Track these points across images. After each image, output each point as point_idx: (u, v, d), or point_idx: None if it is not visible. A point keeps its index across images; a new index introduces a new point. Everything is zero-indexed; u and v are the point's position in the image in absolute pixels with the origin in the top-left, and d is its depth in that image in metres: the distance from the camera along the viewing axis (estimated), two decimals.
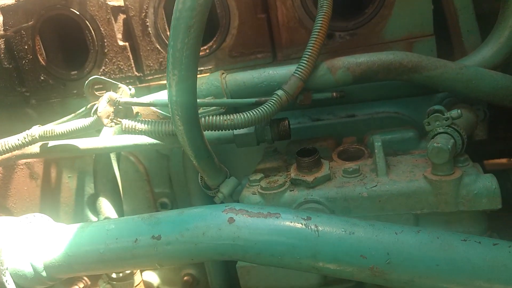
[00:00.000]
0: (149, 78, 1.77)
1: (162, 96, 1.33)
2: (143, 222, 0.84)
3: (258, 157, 1.51)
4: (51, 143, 1.45)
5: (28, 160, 1.92)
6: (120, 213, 1.60)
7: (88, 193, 1.93)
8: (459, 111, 1.08)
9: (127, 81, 1.79)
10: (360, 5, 1.59)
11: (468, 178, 1.05)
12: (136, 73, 1.78)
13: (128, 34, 1.76)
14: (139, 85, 1.78)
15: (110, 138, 1.43)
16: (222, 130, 1.21)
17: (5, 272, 0.87)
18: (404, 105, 1.50)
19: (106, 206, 1.53)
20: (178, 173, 1.73)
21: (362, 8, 1.53)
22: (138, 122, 1.16)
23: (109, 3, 1.72)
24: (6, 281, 0.87)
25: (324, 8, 1.28)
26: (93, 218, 1.91)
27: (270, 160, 1.41)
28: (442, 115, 1.09)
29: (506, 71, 1.53)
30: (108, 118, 1.18)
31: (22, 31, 1.80)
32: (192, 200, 1.64)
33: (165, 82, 1.71)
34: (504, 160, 2.13)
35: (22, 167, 1.98)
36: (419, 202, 1.08)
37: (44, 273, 0.88)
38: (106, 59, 1.78)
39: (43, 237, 0.91)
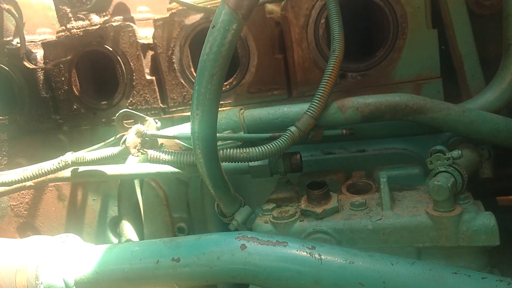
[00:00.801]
0: (173, 110, 1.90)
1: (185, 128, 1.45)
2: (164, 245, 0.93)
3: (271, 187, 1.59)
4: (81, 168, 1.58)
5: (57, 183, 2.05)
6: (141, 235, 1.70)
7: (111, 216, 2.04)
8: (459, 151, 1.16)
9: (152, 112, 1.93)
10: (371, 48, 1.71)
11: (468, 215, 1.11)
12: (161, 105, 1.92)
13: (155, 69, 1.91)
14: (163, 116, 1.92)
15: (135, 165, 1.54)
16: (238, 162, 1.31)
17: (40, 286, 0.97)
18: (412, 142, 1.57)
19: (128, 229, 1.63)
20: (195, 199, 1.83)
21: (373, 50, 1.64)
22: (162, 153, 1.28)
23: (139, 41, 1.88)
24: None
25: (336, 52, 1.40)
26: (114, 239, 2.02)
27: (282, 191, 1.50)
28: (443, 155, 1.17)
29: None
30: (135, 148, 1.30)
31: (61, 65, 1.98)
32: (208, 225, 1.73)
33: (187, 114, 1.85)
34: None
35: (51, 188, 2.12)
36: (421, 236, 1.14)
37: None
38: (134, 91, 1.93)
39: (75, 255, 1.01)
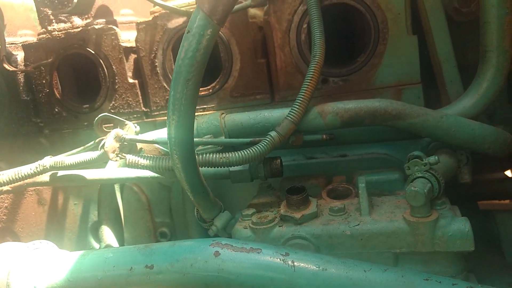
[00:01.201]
0: (155, 113, 1.89)
1: (164, 133, 1.43)
2: (138, 252, 0.92)
3: (253, 191, 1.59)
4: (60, 173, 1.55)
5: (38, 187, 2.02)
6: (121, 241, 1.68)
7: (92, 220, 2.01)
8: (436, 157, 1.17)
9: (135, 115, 1.91)
10: (352, 53, 1.72)
11: (444, 221, 1.12)
12: (143, 108, 1.91)
13: (137, 73, 1.90)
14: (146, 120, 1.91)
15: (115, 170, 1.53)
16: (218, 167, 1.31)
17: None
18: (393, 147, 1.59)
19: (108, 234, 1.61)
20: (178, 204, 1.82)
21: (355, 56, 1.65)
22: (140, 158, 1.27)
23: (122, 44, 1.87)
24: None
25: (317, 58, 1.40)
26: (95, 244, 1.99)
27: (264, 196, 1.49)
28: (421, 161, 1.18)
29: (491, 118, 1.63)
30: (114, 153, 1.29)
31: (42, 67, 1.95)
32: (189, 230, 1.72)
33: None
34: (496, 201, 2.18)
35: (31, 193, 2.09)
36: (398, 241, 1.15)
37: None
38: (117, 95, 1.91)
39: (48, 263, 1.00)
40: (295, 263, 0.83)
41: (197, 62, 0.92)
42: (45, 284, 0.96)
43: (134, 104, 1.91)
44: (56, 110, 2.02)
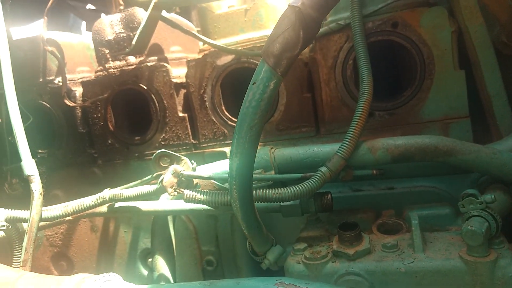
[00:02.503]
0: (203, 145, 1.97)
1: (219, 168, 1.50)
2: None
3: (300, 223, 1.61)
4: (117, 204, 1.64)
5: None
6: (173, 270, 1.74)
7: (141, 248, 2.09)
8: (493, 196, 1.17)
9: (184, 147, 2.00)
10: (398, 87, 1.74)
11: (503, 261, 1.11)
12: (192, 140, 1.99)
13: (187, 107, 2.00)
14: (194, 151, 1.99)
15: (168, 202, 1.60)
16: (271, 202, 1.35)
17: None
18: (441, 181, 1.58)
19: (161, 264, 1.67)
20: (224, 233, 1.86)
21: (401, 90, 1.68)
22: (197, 193, 1.33)
23: (173, 80, 1.97)
24: None
25: (365, 95, 1.44)
26: (144, 271, 2.06)
27: (312, 229, 1.52)
28: (476, 199, 1.18)
29: None
30: (172, 187, 1.36)
31: (98, 102, 2.08)
32: (238, 261, 1.76)
33: (217, 149, 1.92)
34: None
35: (85, 220, 2.19)
36: (455, 280, 1.14)
37: None
38: (167, 128, 2.01)
39: None
40: None
41: (261, 110, 0.98)
42: None
43: (183, 137, 2.00)
44: (109, 142, 2.13)
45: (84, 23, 4.53)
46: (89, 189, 2.01)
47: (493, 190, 1.35)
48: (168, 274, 1.68)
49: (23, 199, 2.10)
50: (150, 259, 2.04)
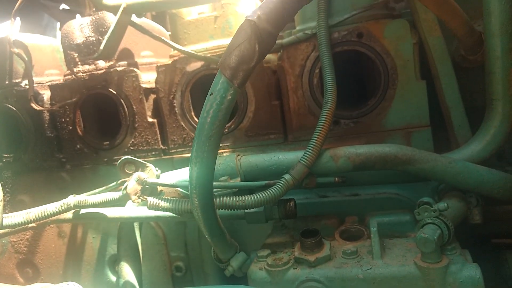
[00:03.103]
0: (173, 151, 1.97)
1: (183, 175, 1.51)
2: None
3: (267, 229, 1.63)
4: (83, 211, 1.62)
5: None
6: (139, 276, 1.73)
7: (110, 254, 2.07)
8: (445, 204, 1.21)
9: (153, 152, 1.99)
10: (363, 96, 1.79)
11: (454, 267, 1.15)
12: (161, 146, 1.99)
13: (156, 112, 1.99)
14: (163, 157, 1.98)
15: (135, 209, 1.59)
16: (234, 210, 1.36)
17: None
18: (404, 188, 1.62)
19: (127, 270, 1.66)
20: (193, 239, 1.86)
21: (365, 99, 1.72)
22: (161, 200, 1.33)
23: (142, 85, 1.97)
24: None
25: (329, 104, 1.47)
26: (112, 277, 2.04)
27: (278, 235, 1.54)
28: (430, 207, 1.22)
29: (500, 158, 1.67)
30: (135, 195, 1.36)
31: (66, 106, 2.05)
32: (205, 267, 1.76)
33: (187, 155, 1.92)
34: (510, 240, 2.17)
35: (51, 226, 2.15)
36: (410, 286, 1.18)
37: None
38: (136, 133, 2.00)
39: None
40: None
41: (219, 121, 0.99)
42: None
43: (152, 142, 1.99)
44: (78, 146, 2.11)
45: (58, 24, 4.46)
46: (57, 194, 1.98)
47: (448, 198, 1.40)
48: (134, 281, 1.67)
49: None
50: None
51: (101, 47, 1.83)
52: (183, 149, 1.95)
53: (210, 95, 1.00)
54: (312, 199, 1.72)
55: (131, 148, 2.02)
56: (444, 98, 1.57)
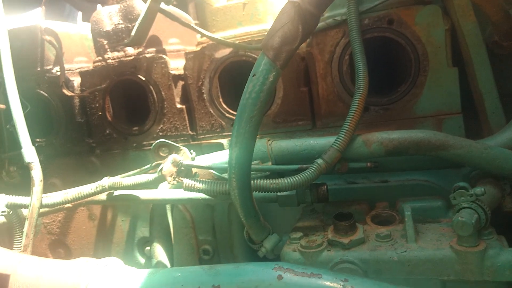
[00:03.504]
0: (201, 137, 1.99)
1: (217, 158, 1.53)
2: (204, 272, 1.01)
3: (295, 214, 1.66)
4: (116, 192, 1.66)
5: None
6: (171, 257, 1.77)
7: (139, 236, 2.12)
8: (482, 189, 1.21)
9: (182, 138, 2.02)
10: (394, 83, 1.78)
11: (492, 251, 1.16)
12: (190, 132, 2.02)
13: (185, 98, 2.02)
14: (192, 143, 2.01)
15: (167, 191, 1.63)
16: (268, 192, 1.39)
17: None
18: (434, 175, 1.62)
19: (159, 251, 1.70)
20: (221, 222, 1.89)
21: (396, 85, 1.72)
22: (196, 182, 1.36)
23: (171, 71, 1.99)
24: None
25: (361, 90, 1.48)
26: (141, 259, 2.09)
27: (308, 219, 1.56)
28: (466, 191, 1.22)
29: None
30: (171, 176, 1.38)
31: (96, 92, 2.09)
32: (234, 249, 1.79)
33: (215, 141, 1.94)
34: None
35: (82, 208, 2.21)
36: (445, 269, 1.19)
37: None
38: (165, 119, 2.03)
39: (119, 279, 1.09)
40: None
41: (260, 102, 1.01)
42: None
43: (181, 128, 2.02)
44: (107, 132, 2.15)
45: (80, 14, 4.51)
46: (86, 178, 2.03)
47: (483, 184, 1.40)
48: (166, 261, 1.71)
49: (21, 187, 2.12)
50: (147, 248, 2.07)
51: (132, 33, 1.86)
52: (211, 135, 1.98)
53: (253, 76, 1.02)
54: (341, 185, 1.73)
55: (160, 133, 2.05)
56: (477, 85, 1.56)
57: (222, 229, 1.90)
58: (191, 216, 1.93)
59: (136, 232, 2.11)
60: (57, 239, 2.22)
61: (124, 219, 2.14)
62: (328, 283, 0.91)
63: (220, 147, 1.93)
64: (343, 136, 1.43)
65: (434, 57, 1.60)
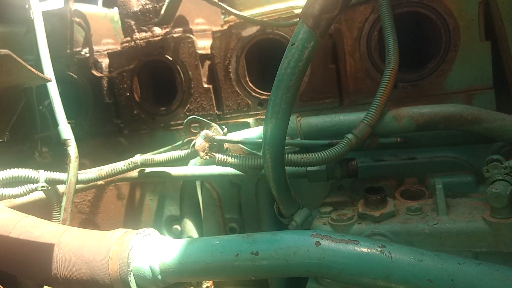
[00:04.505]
0: (227, 116, 2.02)
1: (249, 134, 1.56)
2: (242, 240, 1.03)
3: (321, 191, 1.67)
4: (148, 169, 1.71)
5: (117, 183, 2.21)
6: (200, 233, 1.81)
7: (166, 215, 2.17)
8: None
9: (208, 118, 2.05)
10: (422, 59, 1.76)
11: None
12: (216, 111, 2.04)
13: (212, 78, 2.04)
14: (218, 122, 2.04)
15: (198, 167, 1.66)
16: (298, 167, 1.40)
17: (130, 273, 1.10)
18: (462, 151, 1.61)
19: (189, 227, 1.75)
20: (248, 200, 1.93)
21: (425, 61, 1.70)
22: (229, 156, 1.39)
23: (198, 51, 2.01)
24: (130, 280, 1.10)
25: (391, 64, 1.47)
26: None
27: (336, 195, 1.58)
28: (500, 164, 1.22)
29: None
30: (204, 152, 1.41)
31: (124, 73, 2.13)
32: (262, 226, 1.83)
33: (241, 120, 1.96)
34: None
35: (111, 188, 2.28)
36: (478, 241, 1.19)
37: (159, 277, 1.09)
38: (192, 99, 2.06)
39: (158, 247, 1.13)
40: (392, 254, 0.91)
41: (299, 71, 1.02)
42: (158, 265, 1.09)
43: (208, 107, 2.05)
44: (135, 112, 2.19)
45: None
46: (115, 158, 2.08)
47: None
48: (196, 236, 1.75)
49: (51, 167, 2.19)
50: (175, 226, 2.13)
51: (162, 12, 1.88)
52: (237, 114, 2.00)
53: (291, 45, 1.03)
54: (368, 163, 1.74)
55: (187, 113, 2.08)
56: (510, 59, 1.53)
57: (248, 207, 1.94)
58: (218, 195, 1.97)
59: (163, 210, 2.17)
60: (87, 218, 2.29)
61: (152, 198, 2.20)
62: (365, 249, 0.93)
63: (246, 126, 1.95)
64: (373, 110, 1.43)
65: (466, 31, 1.58)
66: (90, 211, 2.30)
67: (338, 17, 1.01)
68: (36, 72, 0.77)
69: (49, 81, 1.15)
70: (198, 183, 1.83)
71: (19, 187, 1.44)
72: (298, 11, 1.83)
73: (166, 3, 1.89)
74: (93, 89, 2.23)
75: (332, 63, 1.81)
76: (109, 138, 2.28)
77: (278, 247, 0.98)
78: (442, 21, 1.61)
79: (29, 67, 0.73)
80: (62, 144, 1.59)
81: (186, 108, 2.08)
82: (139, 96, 2.17)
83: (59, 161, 2.37)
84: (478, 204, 1.33)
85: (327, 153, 1.38)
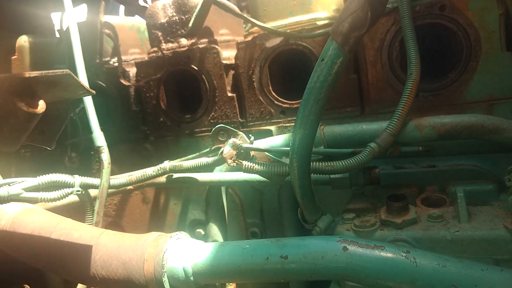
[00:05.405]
0: (250, 124, 2.08)
1: (274, 142, 1.62)
2: (272, 244, 1.09)
3: (343, 198, 1.71)
4: (176, 175, 1.78)
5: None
6: (225, 237, 1.88)
7: (190, 219, 2.24)
8: None
9: (232, 125, 2.10)
10: (443, 68, 1.80)
11: None
12: (240, 119, 2.11)
13: (236, 87, 2.11)
14: (241, 130, 2.10)
15: (223, 173, 1.73)
16: (322, 174, 1.46)
17: (164, 274, 1.16)
18: (483, 159, 1.64)
19: (215, 231, 1.81)
20: (269, 206, 1.99)
21: (445, 71, 1.74)
22: (255, 164, 1.45)
23: (223, 61, 2.09)
24: (164, 280, 1.16)
25: (413, 75, 1.51)
26: None
27: (358, 202, 1.62)
28: None
29: None
30: (231, 159, 1.48)
31: (151, 82, 2.22)
32: (285, 231, 1.88)
33: (264, 128, 2.03)
34: None
35: (136, 192, 2.36)
36: (499, 248, 1.22)
37: (192, 278, 1.15)
38: (216, 107, 2.13)
39: (191, 250, 1.19)
40: (417, 260, 0.95)
41: (328, 85, 1.07)
42: (191, 265, 1.16)
43: (231, 115, 2.11)
44: (161, 119, 2.27)
45: (122, 8, 4.67)
46: (141, 163, 2.16)
47: None
48: (221, 240, 1.81)
49: (79, 172, 2.28)
50: (198, 229, 2.20)
51: (190, 24, 1.96)
52: (260, 122, 2.06)
53: (321, 60, 1.08)
54: (389, 170, 1.77)
55: (211, 121, 2.15)
56: None
57: (270, 213, 1.99)
58: (240, 200, 2.03)
59: (187, 214, 2.24)
60: (113, 221, 2.37)
61: (176, 202, 2.27)
62: (391, 255, 0.97)
63: (269, 133, 2.01)
64: (396, 120, 1.47)
65: (487, 42, 1.61)
66: (116, 215, 2.39)
67: (365, 34, 1.06)
68: (87, 87, 0.84)
69: (93, 94, 1.22)
70: (223, 189, 1.90)
71: (56, 191, 1.52)
72: (321, 22, 1.89)
73: (194, 16, 1.97)
74: (121, 98, 2.32)
75: (354, 73, 1.85)
76: (136, 144, 2.37)
77: (306, 251, 1.04)
78: (463, 32, 1.65)
79: (82, 83, 0.80)
80: (90, 150, 1.67)
81: (211, 116, 2.15)
82: (165, 104, 2.25)
83: (86, 166, 2.47)
84: (499, 212, 1.36)
85: (351, 161, 1.43)
